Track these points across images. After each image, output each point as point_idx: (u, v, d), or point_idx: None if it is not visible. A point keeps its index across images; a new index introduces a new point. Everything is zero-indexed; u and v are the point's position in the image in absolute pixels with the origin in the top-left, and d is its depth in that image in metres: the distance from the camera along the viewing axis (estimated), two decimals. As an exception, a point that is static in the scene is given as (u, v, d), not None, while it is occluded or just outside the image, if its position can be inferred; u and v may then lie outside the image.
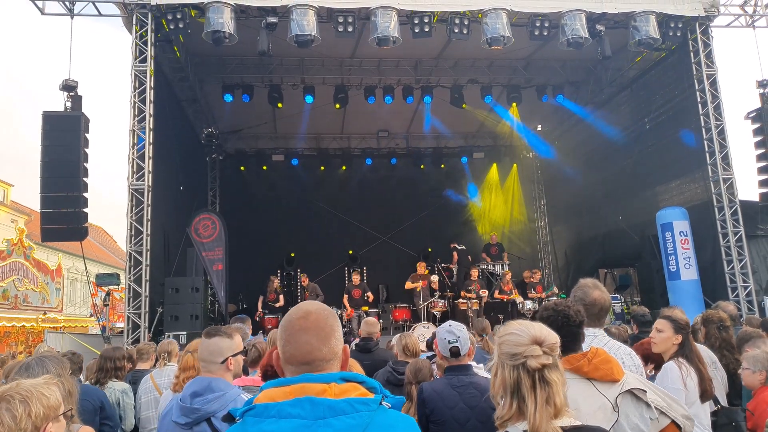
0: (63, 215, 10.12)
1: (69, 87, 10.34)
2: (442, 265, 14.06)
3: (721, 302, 6.29)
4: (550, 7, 11.22)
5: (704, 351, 4.24)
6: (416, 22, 10.94)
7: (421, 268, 13.03)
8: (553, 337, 1.84)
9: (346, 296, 12.68)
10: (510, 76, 14.92)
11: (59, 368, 2.93)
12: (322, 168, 18.14)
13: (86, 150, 10.27)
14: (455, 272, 13.74)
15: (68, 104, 10.39)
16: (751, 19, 12.49)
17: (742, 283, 11.23)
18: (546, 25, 11.31)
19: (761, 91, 12.19)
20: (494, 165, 19.33)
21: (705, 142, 11.70)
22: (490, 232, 17.11)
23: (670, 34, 11.65)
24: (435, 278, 12.84)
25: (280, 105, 14.49)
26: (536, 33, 11.40)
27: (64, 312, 23.88)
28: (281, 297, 12.99)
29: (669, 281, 11.77)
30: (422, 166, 18.43)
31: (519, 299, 12.84)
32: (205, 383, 2.70)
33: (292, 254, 17.11)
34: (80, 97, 10.42)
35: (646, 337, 4.09)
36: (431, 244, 16.96)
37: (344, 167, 18.15)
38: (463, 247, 14.75)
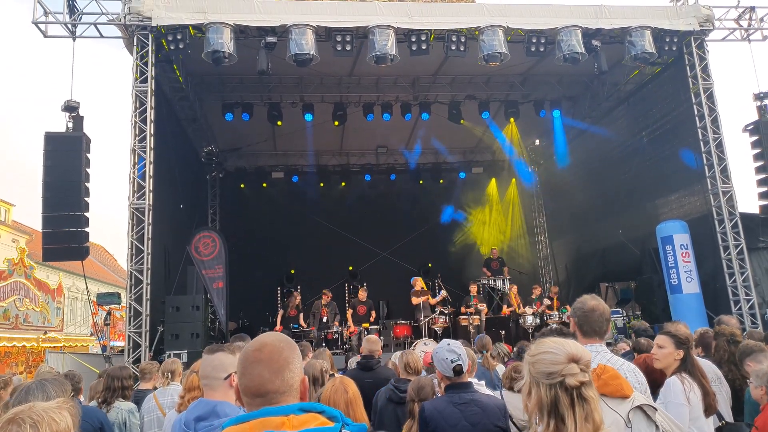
0: (64, 235, 10.13)
1: (71, 108, 10.42)
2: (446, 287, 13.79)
3: (723, 316, 6.22)
4: (546, 24, 11.32)
5: (708, 366, 4.22)
6: (413, 40, 11.04)
7: (419, 283, 12.81)
8: (587, 354, 1.85)
9: (350, 311, 12.62)
10: (507, 91, 15.02)
11: (60, 391, 2.91)
12: (322, 185, 18.19)
13: (87, 170, 10.32)
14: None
15: (70, 125, 10.46)
16: (746, 32, 12.56)
17: (745, 296, 11.18)
18: (542, 41, 11.42)
19: (758, 103, 12.25)
20: (493, 180, 19.40)
21: (703, 155, 11.74)
22: (490, 247, 17.10)
23: (666, 48, 11.75)
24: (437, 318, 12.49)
25: (279, 123, 14.58)
26: (532, 49, 11.49)
27: (65, 331, 23.79)
28: (301, 315, 12.70)
29: (670, 295, 11.71)
30: (421, 182, 18.52)
31: (528, 310, 12.84)
32: (209, 407, 2.50)
33: (292, 271, 17.09)
34: (82, 117, 10.49)
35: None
36: (431, 259, 16.93)
37: (344, 183, 18.24)
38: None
